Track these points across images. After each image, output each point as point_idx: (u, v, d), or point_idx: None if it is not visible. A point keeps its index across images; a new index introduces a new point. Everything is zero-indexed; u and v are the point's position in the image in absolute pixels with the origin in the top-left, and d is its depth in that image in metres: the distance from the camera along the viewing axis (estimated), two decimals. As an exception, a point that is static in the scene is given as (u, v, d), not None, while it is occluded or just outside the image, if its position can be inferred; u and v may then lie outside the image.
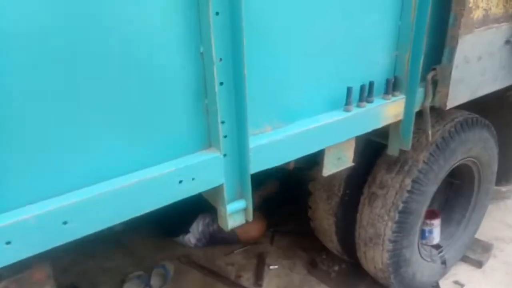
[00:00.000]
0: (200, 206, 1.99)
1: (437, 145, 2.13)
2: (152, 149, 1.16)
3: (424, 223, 2.54)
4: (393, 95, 1.67)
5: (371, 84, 1.57)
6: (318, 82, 1.47)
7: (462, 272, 2.77)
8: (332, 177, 2.40)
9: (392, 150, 1.89)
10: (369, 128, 1.63)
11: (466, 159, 2.37)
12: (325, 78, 1.49)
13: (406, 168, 2.12)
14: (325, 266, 2.72)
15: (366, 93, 1.56)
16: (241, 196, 1.34)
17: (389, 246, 2.16)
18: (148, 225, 3.07)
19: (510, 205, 3.58)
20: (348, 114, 1.52)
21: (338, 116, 1.51)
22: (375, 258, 2.27)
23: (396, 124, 1.78)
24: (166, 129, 1.17)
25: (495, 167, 2.63)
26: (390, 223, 2.12)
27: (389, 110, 1.65)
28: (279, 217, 3.31)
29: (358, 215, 2.28)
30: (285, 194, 3.26)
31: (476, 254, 2.83)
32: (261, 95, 1.32)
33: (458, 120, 2.24)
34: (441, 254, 2.58)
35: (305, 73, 1.42)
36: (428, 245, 2.58)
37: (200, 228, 2.95)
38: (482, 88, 2.01)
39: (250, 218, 1.36)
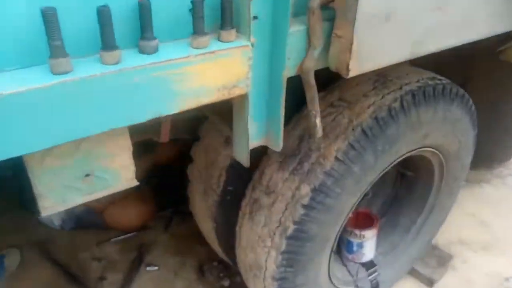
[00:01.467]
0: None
1: (363, 130, 1.25)
2: None
3: (351, 234, 1.74)
4: (222, 40, 0.73)
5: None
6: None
7: (404, 292, 2.04)
8: (210, 162, 1.57)
9: (239, 153, 0.94)
10: (136, 118, 0.70)
11: (419, 150, 1.50)
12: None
13: (306, 166, 1.26)
14: (213, 276, 1.97)
15: (110, 34, 0.62)
16: None
17: (273, 285, 1.37)
18: (6, 195, 2.32)
19: (489, 192, 2.72)
20: (55, 80, 0.60)
21: (30, 83, 0.59)
22: (258, 293, 1.49)
23: (240, 102, 0.84)
24: None
25: (468, 158, 1.76)
26: (273, 253, 1.31)
27: (199, 75, 0.71)
28: (182, 192, 2.51)
29: (237, 227, 1.47)
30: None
31: (427, 269, 2.07)
32: None
33: (410, 89, 1.34)
34: (372, 276, 1.81)
35: None
36: (355, 262, 1.80)
37: (65, 207, 2.24)
38: (440, 35, 0.99)
39: None
